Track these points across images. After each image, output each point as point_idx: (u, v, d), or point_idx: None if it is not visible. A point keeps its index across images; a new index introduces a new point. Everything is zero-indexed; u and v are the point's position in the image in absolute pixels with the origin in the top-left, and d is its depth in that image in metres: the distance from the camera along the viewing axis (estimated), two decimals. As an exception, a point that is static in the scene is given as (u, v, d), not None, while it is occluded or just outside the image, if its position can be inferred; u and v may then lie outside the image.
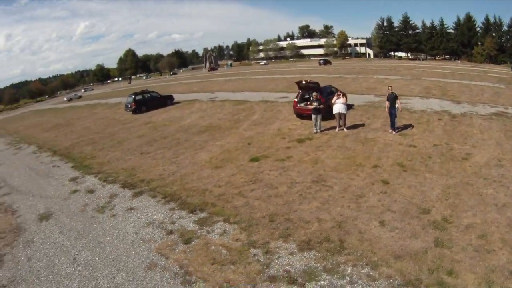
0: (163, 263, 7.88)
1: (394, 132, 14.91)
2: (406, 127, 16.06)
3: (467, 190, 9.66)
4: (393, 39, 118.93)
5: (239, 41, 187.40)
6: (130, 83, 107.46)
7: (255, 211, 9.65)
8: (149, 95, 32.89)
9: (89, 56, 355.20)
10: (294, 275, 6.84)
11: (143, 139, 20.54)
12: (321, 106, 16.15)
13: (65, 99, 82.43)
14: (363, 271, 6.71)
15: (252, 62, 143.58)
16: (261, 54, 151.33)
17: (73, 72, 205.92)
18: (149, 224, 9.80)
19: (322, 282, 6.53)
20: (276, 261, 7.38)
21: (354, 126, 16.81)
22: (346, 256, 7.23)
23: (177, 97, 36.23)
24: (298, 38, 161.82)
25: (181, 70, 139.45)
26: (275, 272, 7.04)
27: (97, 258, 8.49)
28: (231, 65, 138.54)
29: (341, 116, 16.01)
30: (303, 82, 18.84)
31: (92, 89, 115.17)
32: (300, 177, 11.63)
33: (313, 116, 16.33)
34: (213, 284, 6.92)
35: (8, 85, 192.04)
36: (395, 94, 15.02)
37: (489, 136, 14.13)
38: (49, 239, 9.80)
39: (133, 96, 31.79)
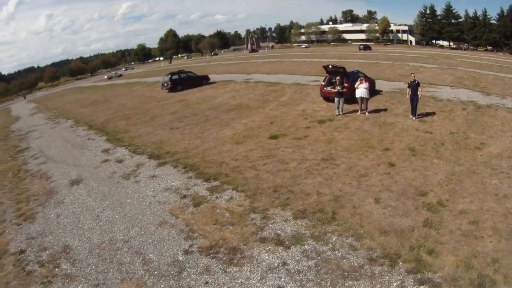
0: (173, 222, 8.87)
1: (414, 118, 15.06)
2: (428, 114, 16.01)
3: (470, 178, 9.70)
4: (435, 27, 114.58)
5: (282, 24, 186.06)
6: (170, 62, 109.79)
7: (263, 182, 10.41)
8: (185, 74, 34.18)
9: (130, 36, 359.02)
10: (282, 238, 7.56)
11: (175, 116, 21.71)
12: (344, 89, 16.53)
13: (106, 77, 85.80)
14: (346, 241, 7.28)
15: (294, 45, 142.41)
16: (303, 37, 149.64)
17: (115, 51, 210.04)
18: (166, 190, 10.82)
19: (306, 247, 7.20)
20: (270, 225, 8.13)
21: (377, 111, 17.02)
22: (335, 226, 7.81)
23: (214, 77, 37.26)
24: (341, 23, 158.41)
25: (222, 51, 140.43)
26: (267, 234, 7.79)
27: (117, 216, 9.61)
28: (272, 47, 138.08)
29: (363, 100, 16.35)
30: (330, 66, 19.27)
31: (133, 68, 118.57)
32: (311, 154, 12.21)
33: (335, 99, 16.79)
34: (210, 240, 7.80)
35: (49, 64, 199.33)
36: (418, 81, 15.12)
37: (510, 128, 13.86)
38: (77, 200, 11.07)
39: (170, 76, 33.21)
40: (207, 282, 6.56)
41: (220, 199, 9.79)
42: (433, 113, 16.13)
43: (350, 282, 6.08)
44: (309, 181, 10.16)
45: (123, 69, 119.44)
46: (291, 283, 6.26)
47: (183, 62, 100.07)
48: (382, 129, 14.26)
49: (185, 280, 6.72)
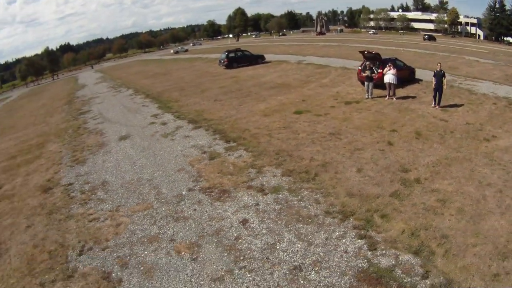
0: (188, 169, 11.09)
1: (437, 107, 15.78)
2: (454, 105, 16.32)
3: (461, 164, 10.07)
4: (504, 22, 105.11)
5: (354, 8, 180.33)
6: (238, 40, 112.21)
7: (270, 147, 12.22)
8: (241, 53, 36.36)
9: (201, 11, 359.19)
10: (265, 188, 9.37)
11: (222, 90, 24.05)
12: (373, 74, 17.66)
13: (172, 51, 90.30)
14: (314, 196, 8.75)
15: (363, 30, 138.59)
16: (372, 23, 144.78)
17: (184, 26, 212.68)
18: (193, 146, 13.10)
19: (280, 195, 8.89)
20: (260, 178, 9.97)
21: (405, 97, 17.74)
22: (311, 184, 9.33)
23: (271, 57, 39.02)
24: (413, 10, 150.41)
25: (291, 32, 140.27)
26: (254, 184, 9.68)
27: (148, 163, 12.07)
28: (341, 31, 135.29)
29: (391, 86, 17.27)
30: (366, 52, 20.50)
31: (201, 44, 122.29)
32: (323, 129, 13.66)
33: (365, 83, 17.96)
34: (210, 183, 9.91)
35: (118, 36, 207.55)
36: (443, 71, 15.71)
37: (532, 126, 13.82)
38: (121, 151, 13.79)
39: (227, 53, 35.72)
40: (195, 209, 8.68)
41: (231, 156, 11.80)
42: (460, 105, 16.40)
43: (300, 225, 7.63)
44: (309, 149, 11.74)
45: (191, 44, 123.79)
46: (255, 217, 8.08)
47: (249, 41, 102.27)
48: (400, 114, 15.12)
49: (180, 207, 8.90)
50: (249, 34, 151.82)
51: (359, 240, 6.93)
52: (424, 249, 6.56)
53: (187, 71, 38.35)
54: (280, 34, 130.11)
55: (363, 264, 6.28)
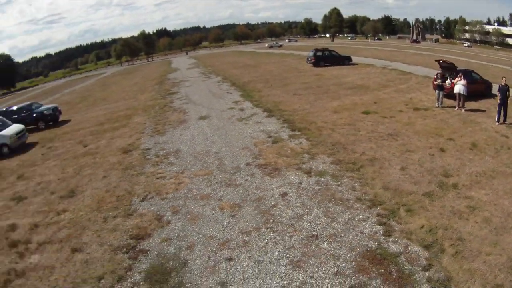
0: (251, 148, 12.30)
1: (502, 123, 14.49)
2: None
3: (506, 179, 9.48)
4: None
5: (452, 17, 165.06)
6: (333, 40, 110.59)
7: (329, 139, 12.84)
8: (328, 52, 36.55)
9: (299, 8, 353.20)
10: (312, 171, 10.19)
11: (303, 85, 24.89)
12: (444, 83, 17.21)
13: (266, 45, 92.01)
14: (353, 184, 9.35)
15: (458, 42, 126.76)
16: (467, 35, 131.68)
17: (282, 22, 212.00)
18: (262, 131, 14.27)
19: (322, 179, 9.70)
20: (311, 163, 10.77)
21: (474, 110, 16.61)
22: (353, 174, 9.93)
23: (360, 60, 38.77)
24: (509, 25, 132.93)
25: (386, 37, 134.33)
26: (304, 166, 10.53)
27: (219, 140, 13.60)
28: (436, 40, 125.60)
29: (460, 96, 16.48)
30: (441, 61, 19.91)
31: (296, 41, 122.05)
32: (383, 129, 13.78)
33: (436, 91, 17.50)
34: (266, 161, 11.04)
35: (215, 26, 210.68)
36: (508, 87, 14.72)
37: None
38: (198, 128, 15.57)
39: (314, 52, 36.21)
40: (246, 180, 9.88)
41: (292, 142, 12.72)
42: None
43: (330, 205, 8.29)
44: (363, 145, 12.11)
45: (287, 40, 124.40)
46: (294, 193, 8.96)
47: (344, 42, 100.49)
48: (463, 125, 14.45)
49: (235, 176, 10.18)
50: (345, 35, 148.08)
51: (378, 226, 7.36)
52: (436, 245, 6.63)
53: (276, 66, 39.57)
54: (376, 38, 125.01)
55: (373, 245, 6.78)
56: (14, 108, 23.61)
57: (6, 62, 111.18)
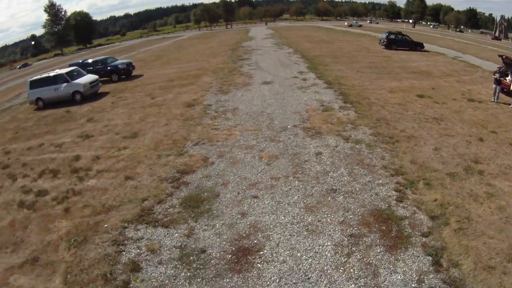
0: (302, 114, 12.64)
1: None
2: None
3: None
4: None
5: None
6: (414, 27, 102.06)
7: (376, 114, 12.59)
8: (401, 36, 34.25)
9: None
10: (350, 138, 10.31)
11: (369, 64, 23.92)
12: (503, 78, 15.76)
13: (346, 24, 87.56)
14: (384, 154, 9.27)
15: None
16: None
17: (366, 2, 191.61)
18: (316, 100, 14.41)
19: (357, 146, 9.81)
20: (351, 131, 10.86)
21: None
22: (387, 146, 9.79)
23: (433, 48, 35.64)
24: None
25: (468, 30, 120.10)
26: (344, 133, 10.69)
27: (275, 103, 14.05)
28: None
29: None
30: (504, 57, 18.11)
31: (377, 23, 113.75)
32: (430, 113, 13.07)
33: (493, 86, 16.12)
34: (312, 125, 11.33)
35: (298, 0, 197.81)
36: None
37: None
38: (259, 91, 16.05)
39: (387, 34, 34.10)
40: (289, 138, 10.44)
41: (340, 112, 12.73)
42: None
43: (356, 167, 8.48)
44: (406, 123, 11.73)
45: (368, 21, 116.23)
46: (328, 153, 9.28)
47: (424, 29, 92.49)
48: None
49: (280, 134, 10.75)
50: (428, 23, 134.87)
51: (393, 192, 7.44)
52: (442, 218, 6.53)
53: (348, 44, 38.10)
54: (457, 30, 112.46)
55: (383, 206, 6.95)
56: (90, 60, 24.89)
57: (84, 19, 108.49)
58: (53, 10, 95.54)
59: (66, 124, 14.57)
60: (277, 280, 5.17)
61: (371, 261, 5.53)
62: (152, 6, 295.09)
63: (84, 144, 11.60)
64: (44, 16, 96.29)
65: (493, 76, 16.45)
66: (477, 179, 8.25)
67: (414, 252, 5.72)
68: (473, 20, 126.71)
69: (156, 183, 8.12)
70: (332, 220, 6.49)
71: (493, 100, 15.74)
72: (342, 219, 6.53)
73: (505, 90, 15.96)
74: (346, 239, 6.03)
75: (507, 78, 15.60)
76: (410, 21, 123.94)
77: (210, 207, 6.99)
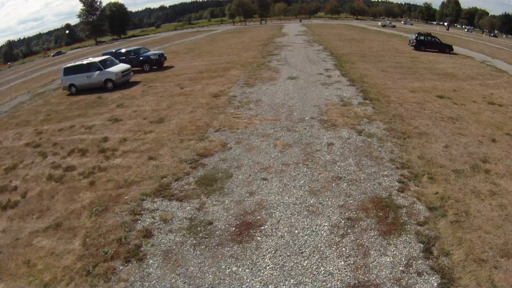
0: (321, 107, 12.53)
1: None
2: None
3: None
4: None
5: None
6: (448, 29, 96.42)
7: (393, 111, 12.20)
8: (430, 38, 32.57)
9: None
10: (362, 131, 10.17)
11: (395, 64, 22.95)
12: None
13: (379, 24, 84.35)
14: (393, 147, 9.08)
15: None
16: None
17: (402, 3, 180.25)
18: (337, 96, 14.16)
19: (369, 139, 9.63)
20: (366, 125, 10.67)
21: None
22: (398, 140, 9.57)
23: (463, 51, 33.65)
24: None
25: (503, 35, 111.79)
26: (358, 127, 10.49)
27: (297, 96, 13.95)
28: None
29: None
30: None
31: (412, 24, 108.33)
32: (447, 113, 12.50)
33: (518, 89, 15.11)
34: (329, 118, 11.26)
35: None
36: None
37: None
38: (284, 85, 15.85)
39: (417, 35, 32.59)
40: (305, 128, 10.39)
41: (358, 108, 12.45)
42: None
43: (365, 158, 8.32)
44: (421, 121, 11.29)
45: (402, 22, 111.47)
46: (339, 144, 9.22)
47: (457, 32, 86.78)
48: None
49: (297, 124, 10.77)
50: (463, 27, 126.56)
51: (396, 183, 7.30)
52: (440, 210, 6.36)
53: (378, 43, 36.74)
54: (492, 34, 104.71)
55: (383, 194, 6.88)
56: (123, 50, 24.74)
57: (118, 10, 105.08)
58: (88, 0, 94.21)
59: (97, 109, 14.86)
60: (273, 252, 5.36)
61: (363, 243, 5.56)
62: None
63: (113, 127, 11.93)
64: (79, 6, 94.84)
65: None
66: (482, 177, 7.89)
67: (407, 238, 5.67)
68: (508, 25, 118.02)
69: (176, 164, 8.43)
70: (333, 204, 6.54)
71: None
72: (342, 203, 6.56)
73: None
74: (343, 221, 6.07)
75: None
76: (445, 23, 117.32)
77: (222, 186, 7.24)
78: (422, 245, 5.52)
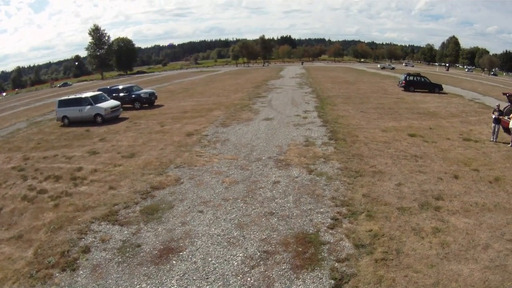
0: (283, 147, 13.25)
1: None
2: None
3: (500, 215, 8.03)
4: None
5: None
6: (447, 70, 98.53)
7: (355, 150, 12.66)
8: (419, 78, 33.69)
9: (424, 34, 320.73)
10: (314, 170, 10.62)
11: (377, 105, 23.72)
12: (500, 117, 15.15)
13: (379, 66, 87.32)
14: (340, 186, 9.43)
15: None
16: None
17: (404, 45, 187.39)
18: (304, 136, 14.80)
19: (317, 178, 10.03)
20: (320, 165, 11.08)
21: None
22: (347, 179, 9.93)
23: (455, 90, 34.80)
24: None
25: (503, 73, 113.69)
26: (312, 166, 10.97)
27: (264, 136, 14.86)
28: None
29: None
30: (508, 94, 17.40)
31: (413, 66, 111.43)
32: (413, 151, 12.77)
33: (493, 125, 15.48)
34: (285, 158, 11.87)
35: (340, 40, 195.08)
36: None
37: None
38: (256, 126, 16.96)
39: (406, 76, 33.88)
40: (258, 167, 11.01)
41: (319, 148, 12.96)
42: None
43: (305, 196, 8.77)
44: (381, 160, 11.59)
45: (404, 64, 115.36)
46: (285, 182, 9.70)
47: (456, 73, 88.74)
48: (504, 161, 12.20)
49: (252, 164, 11.43)
50: (464, 67, 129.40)
51: (329, 220, 7.54)
52: (368, 248, 6.50)
53: (369, 85, 37.97)
54: (492, 73, 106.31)
55: (311, 230, 7.21)
56: (119, 87, 27.02)
57: (127, 46, 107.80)
58: (97, 34, 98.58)
59: (82, 141, 16.32)
60: (181, 274, 5.96)
61: (271, 275, 5.80)
62: (196, 39, 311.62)
63: (90, 158, 13.23)
64: (89, 39, 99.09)
65: (492, 115, 15.77)
66: (430, 214, 7.94)
67: (319, 274, 5.79)
68: (509, 63, 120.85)
69: (130, 194, 9.44)
70: (255, 237, 6.94)
71: (492, 139, 15.02)
72: (265, 237, 6.90)
73: (506, 129, 15.20)
74: (259, 253, 6.41)
75: (495, 113, 14.98)
76: (446, 64, 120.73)
77: (161, 215, 8.10)
78: (333, 282, 5.62)
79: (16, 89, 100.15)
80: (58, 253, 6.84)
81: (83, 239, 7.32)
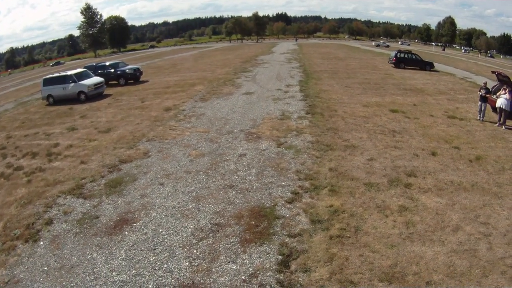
0: (257, 121, 12.91)
1: None
2: None
3: (476, 196, 7.73)
4: None
5: None
6: (443, 50, 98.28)
7: (331, 124, 12.39)
8: (410, 55, 33.26)
9: (422, 13, 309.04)
10: (283, 143, 10.32)
11: (363, 81, 23.19)
12: (487, 95, 14.81)
13: (373, 44, 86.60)
14: (308, 160, 9.17)
15: None
16: None
17: (403, 24, 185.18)
18: (281, 110, 14.42)
19: (285, 151, 9.77)
20: (291, 138, 10.79)
21: None
22: (317, 153, 9.66)
23: (448, 69, 34.41)
24: None
25: (500, 56, 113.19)
26: (282, 140, 10.71)
27: (240, 110, 14.61)
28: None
29: (502, 111, 13.49)
30: (496, 73, 17.02)
31: (409, 45, 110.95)
32: (392, 126, 12.48)
33: (479, 103, 15.09)
34: (257, 131, 11.58)
35: (336, 18, 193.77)
36: None
37: None
38: (235, 100, 16.64)
39: (396, 53, 33.35)
40: (227, 140, 10.81)
41: (294, 121, 12.60)
42: None
43: (269, 169, 8.54)
44: (356, 134, 11.27)
45: (399, 43, 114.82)
46: (251, 155, 9.46)
47: (452, 53, 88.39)
48: (488, 140, 11.90)
49: (222, 136, 11.28)
50: (461, 47, 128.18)
51: (289, 193, 7.32)
52: (324, 224, 6.32)
53: (359, 61, 37.29)
54: (488, 55, 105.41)
55: (267, 204, 7.06)
56: (104, 64, 26.70)
57: (119, 24, 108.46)
58: (89, 13, 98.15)
59: (64, 119, 16.17)
60: (130, 245, 6.05)
61: (217, 248, 5.71)
62: (191, 16, 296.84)
63: (67, 135, 13.26)
64: (82, 18, 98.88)
65: (478, 93, 15.37)
66: (399, 191, 7.53)
67: (267, 249, 5.59)
68: (506, 46, 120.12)
69: (98, 168, 9.48)
70: (209, 209, 6.85)
71: (478, 118, 14.69)
72: (219, 210, 6.78)
73: (494, 108, 14.84)
74: (209, 226, 6.29)
75: (482, 91, 14.65)
76: (443, 44, 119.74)
77: (123, 188, 8.13)
78: (280, 257, 5.39)
79: (9, 70, 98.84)
80: (24, 226, 7.07)
81: (48, 212, 7.50)
